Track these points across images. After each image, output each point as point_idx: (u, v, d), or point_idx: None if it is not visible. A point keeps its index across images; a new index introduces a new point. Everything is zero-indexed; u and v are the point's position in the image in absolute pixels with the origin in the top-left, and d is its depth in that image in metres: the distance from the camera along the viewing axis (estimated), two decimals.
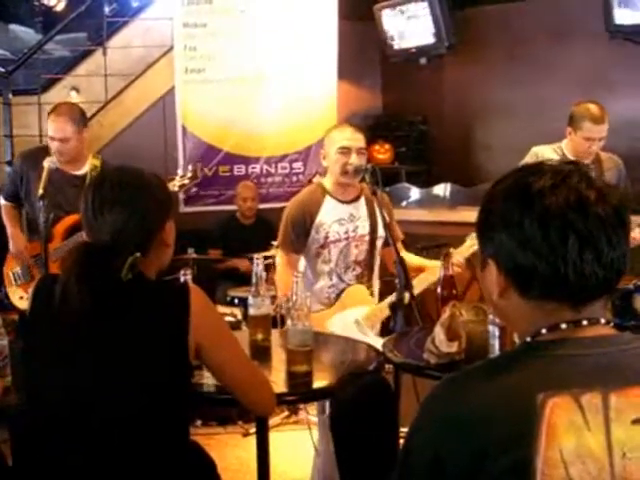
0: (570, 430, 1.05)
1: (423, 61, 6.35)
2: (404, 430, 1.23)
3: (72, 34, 7.35)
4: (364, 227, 3.28)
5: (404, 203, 6.24)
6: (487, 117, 6.48)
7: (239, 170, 6.09)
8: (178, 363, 1.75)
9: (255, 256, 2.63)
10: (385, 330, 3.19)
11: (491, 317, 2.19)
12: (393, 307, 2.92)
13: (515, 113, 6.24)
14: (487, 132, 6.50)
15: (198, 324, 1.74)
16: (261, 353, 2.43)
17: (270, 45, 5.94)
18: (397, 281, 2.78)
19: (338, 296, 3.25)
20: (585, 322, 1.14)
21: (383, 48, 6.45)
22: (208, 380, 2.00)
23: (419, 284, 2.94)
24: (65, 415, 1.73)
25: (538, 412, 1.05)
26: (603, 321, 1.16)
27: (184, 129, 5.93)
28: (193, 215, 5.75)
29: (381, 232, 3.26)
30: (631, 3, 5.07)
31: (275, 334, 2.60)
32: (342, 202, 3.29)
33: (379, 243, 3.32)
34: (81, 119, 3.74)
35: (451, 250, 2.69)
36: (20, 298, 3.72)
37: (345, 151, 3.17)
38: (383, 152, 6.57)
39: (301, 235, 3.25)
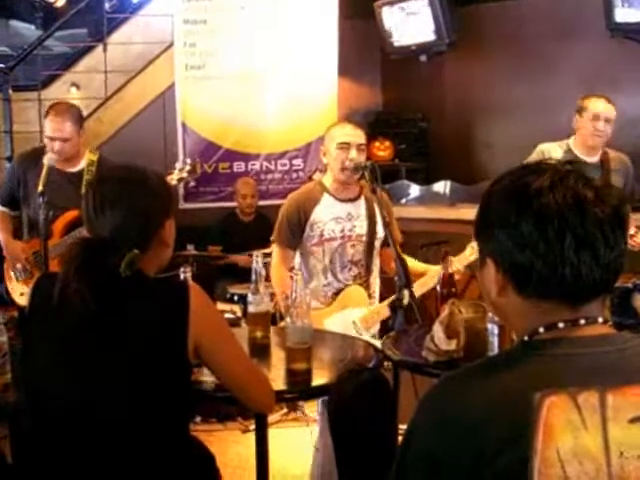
0: (567, 429, 1.05)
1: (423, 58, 6.34)
2: (403, 427, 1.23)
3: (72, 30, 7.35)
4: (362, 227, 3.27)
5: (404, 200, 6.24)
6: (487, 115, 6.48)
7: (239, 167, 6.09)
8: (177, 361, 1.75)
9: (255, 253, 2.63)
10: (385, 329, 3.19)
11: (490, 315, 2.20)
12: (393, 305, 2.92)
13: (515, 111, 6.24)
14: (487, 130, 6.50)
15: (197, 322, 1.74)
16: (260, 350, 2.44)
17: (270, 42, 5.93)
18: (397, 279, 2.78)
19: (335, 295, 3.24)
20: (583, 321, 1.15)
21: (383, 45, 6.44)
22: (208, 378, 2.00)
23: (419, 288, 2.94)
24: (64, 412, 1.74)
25: (535, 411, 1.05)
26: (601, 320, 1.16)
27: (184, 126, 5.92)
28: (193, 212, 5.76)
29: (380, 233, 3.25)
30: (633, 1, 5.07)
31: (274, 331, 2.60)
32: (340, 200, 3.28)
33: (377, 244, 3.31)
34: (79, 118, 3.74)
35: (451, 258, 2.69)
36: (21, 294, 3.72)
37: (345, 146, 3.17)
38: (383, 149, 6.56)
39: (296, 231, 3.25)
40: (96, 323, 1.73)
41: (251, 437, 2.51)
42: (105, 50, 6.20)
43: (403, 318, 2.74)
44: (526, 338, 1.18)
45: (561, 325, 1.15)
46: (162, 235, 1.87)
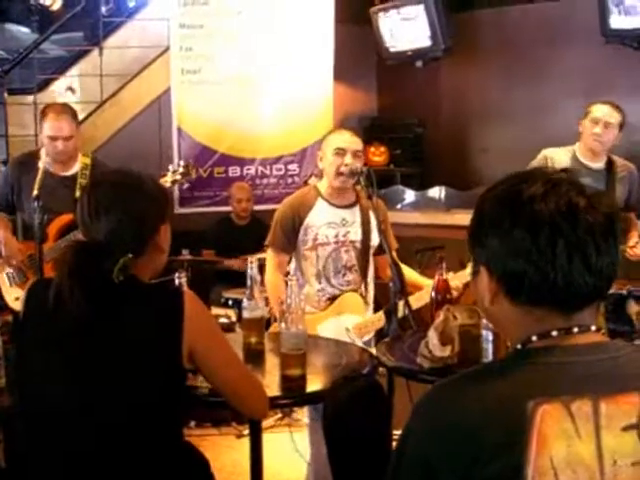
0: (560, 437, 1.05)
1: (419, 64, 6.36)
2: (397, 433, 1.23)
3: (68, 34, 7.33)
4: (356, 233, 3.27)
5: (399, 206, 6.25)
6: (483, 120, 6.50)
7: (234, 171, 6.09)
8: (171, 367, 1.75)
9: (249, 259, 2.62)
10: (380, 335, 3.19)
11: (485, 321, 2.20)
12: (387, 311, 2.92)
13: (511, 117, 6.26)
14: (482, 135, 6.51)
15: (192, 329, 1.74)
16: (255, 356, 2.43)
17: (266, 47, 5.94)
18: (391, 285, 2.78)
19: (328, 300, 3.24)
20: (576, 329, 1.15)
21: (379, 51, 6.46)
22: (202, 383, 2.00)
23: (415, 302, 2.92)
24: (58, 417, 1.74)
25: (528, 419, 1.05)
26: (594, 328, 1.17)
27: (179, 130, 5.92)
28: (188, 216, 5.75)
29: (374, 240, 3.25)
30: (628, 8, 5.09)
31: (268, 337, 2.60)
32: (335, 206, 3.29)
33: (372, 250, 3.30)
34: (76, 116, 3.79)
35: (449, 274, 2.68)
36: (16, 299, 3.71)
37: (341, 152, 3.18)
38: (378, 154, 6.57)
39: (290, 235, 3.25)
40: (91, 327, 1.73)
41: (245, 442, 2.51)
42: (101, 54, 6.19)
43: (397, 324, 2.74)
44: (519, 346, 1.18)
45: (554, 333, 1.15)
46: (157, 240, 1.87)
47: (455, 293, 2.77)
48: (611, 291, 1.29)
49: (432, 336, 2.20)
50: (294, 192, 3.65)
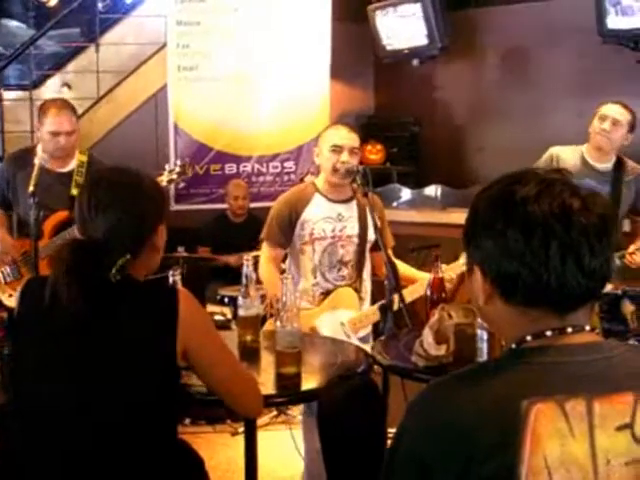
0: (554, 437, 1.06)
1: (416, 62, 6.35)
2: (392, 431, 1.23)
3: (65, 30, 7.30)
4: (352, 228, 3.28)
5: (395, 204, 6.25)
6: (479, 119, 6.50)
7: (230, 169, 6.08)
8: (166, 366, 1.75)
9: (245, 257, 2.62)
10: (375, 333, 3.19)
11: (480, 320, 2.20)
12: (383, 309, 2.92)
13: (507, 115, 6.26)
14: (479, 134, 6.51)
15: (186, 327, 1.74)
16: (250, 354, 2.44)
17: (263, 44, 5.93)
18: (386, 283, 2.78)
19: (323, 295, 3.24)
20: (570, 329, 1.15)
21: (376, 49, 6.46)
22: (197, 381, 2.00)
23: (409, 295, 2.93)
24: (53, 417, 1.74)
25: (522, 419, 1.06)
26: (588, 328, 1.17)
27: (176, 127, 5.90)
28: (184, 213, 5.74)
29: (371, 235, 3.25)
30: (625, 8, 5.09)
31: (264, 335, 2.60)
32: (332, 201, 3.29)
33: (368, 246, 3.31)
34: (76, 112, 3.80)
35: (443, 266, 2.69)
36: (9, 296, 3.70)
37: (337, 149, 3.18)
38: (375, 152, 6.57)
39: (286, 230, 3.25)
40: (87, 326, 1.73)
41: (240, 440, 2.52)
42: (97, 50, 6.18)
43: (393, 322, 2.74)
44: (514, 346, 1.18)
45: (548, 333, 1.15)
46: (154, 240, 1.87)
47: (449, 285, 2.77)
48: (606, 291, 1.29)
49: (427, 335, 2.20)
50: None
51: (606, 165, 3.81)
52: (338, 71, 6.18)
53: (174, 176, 3.77)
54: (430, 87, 6.72)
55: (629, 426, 1.08)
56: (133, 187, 1.85)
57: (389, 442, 1.21)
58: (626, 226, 4.07)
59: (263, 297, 3.06)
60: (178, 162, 3.91)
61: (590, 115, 3.87)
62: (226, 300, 4.70)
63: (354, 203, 3.31)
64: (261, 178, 6.16)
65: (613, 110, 3.75)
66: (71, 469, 1.73)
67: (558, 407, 1.07)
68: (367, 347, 2.74)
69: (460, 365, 1.24)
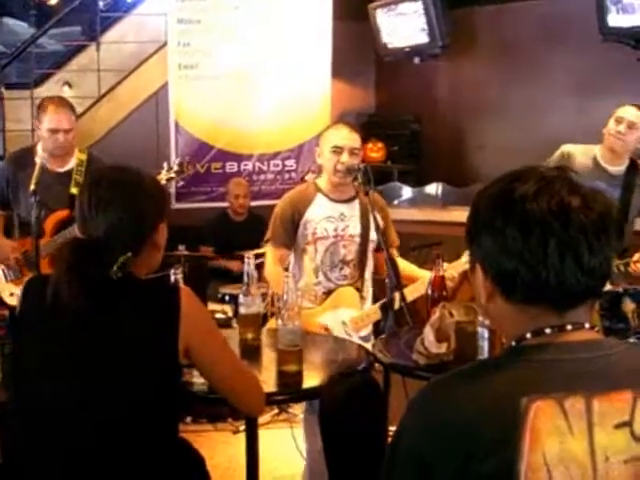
0: (553, 434, 1.06)
1: (416, 60, 6.36)
2: (393, 429, 1.24)
3: (66, 28, 7.31)
4: (355, 227, 3.28)
5: (396, 202, 6.26)
6: (480, 117, 6.50)
7: (231, 167, 6.09)
8: (167, 364, 1.76)
9: (246, 255, 2.63)
10: (376, 331, 3.19)
11: (481, 318, 2.21)
12: (384, 308, 2.92)
13: (508, 113, 6.26)
14: (480, 132, 6.51)
15: (188, 325, 1.75)
16: (251, 352, 2.44)
17: (264, 42, 5.93)
18: (387, 281, 2.79)
19: (325, 294, 3.25)
20: (569, 327, 1.16)
21: (377, 47, 6.46)
22: (198, 379, 2.00)
23: (410, 294, 2.93)
24: (55, 415, 1.74)
25: (522, 416, 1.06)
26: (587, 326, 1.17)
27: (177, 125, 5.91)
28: (185, 212, 5.74)
29: (373, 236, 3.25)
30: (626, 6, 5.09)
31: (265, 333, 2.60)
32: (334, 201, 3.30)
33: (371, 246, 3.31)
34: (74, 110, 3.79)
35: (445, 264, 2.69)
36: (10, 295, 3.71)
37: (338, 150, 3.18)
38: (376, 151, 6.58)
39: (290, 230, 3.26)
40: (89, 324, 1.73)
41: (242, 438, 2.52)
42: (98, 49, 6.19)
43: (394, 321, 2.75)
44: (514, 343, 1.19)
45: (548, 331, 1.15)
46: (155, 238, 1.88)
47: (450, 283, 2.77)
48: (606, 289, 1.29)
49: (428, 333, 2.20)
50: (291, 188, 3.65)
51: (619, 168, 3.74)
52: (339, 69, 6.18)
53: (172, 175, 3.77)
54: (431, 85, 6.73)
55: (628, 424, 1.08)
56: (133, 185, 1.85)
57: (390, 440, 1.22)
58: (637, 225, 4.02)
59: (264, 295, 3.07)
60: (177, 160, 3.91)
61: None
62: (227, 298, 4.71)
63: (356, 202, 3.31)
64: (262, 176, 6.17)
65: (630, 113, 3.68)
66: (72, 467, 1.73)
67: (557, 404, 1.07)
68: (368, 346, 2.74)
69: (461, 363, 1.24)
